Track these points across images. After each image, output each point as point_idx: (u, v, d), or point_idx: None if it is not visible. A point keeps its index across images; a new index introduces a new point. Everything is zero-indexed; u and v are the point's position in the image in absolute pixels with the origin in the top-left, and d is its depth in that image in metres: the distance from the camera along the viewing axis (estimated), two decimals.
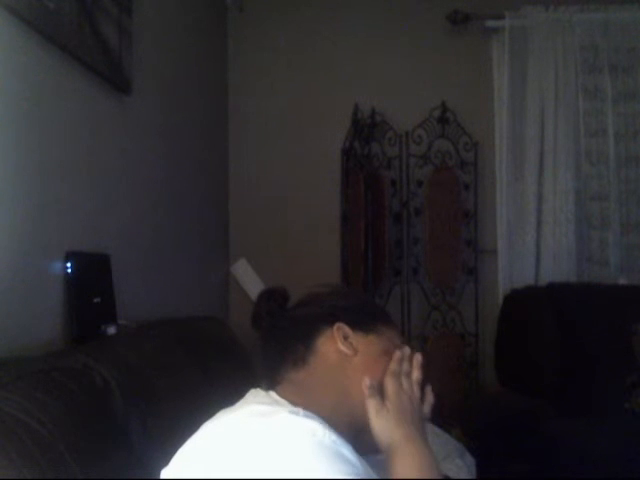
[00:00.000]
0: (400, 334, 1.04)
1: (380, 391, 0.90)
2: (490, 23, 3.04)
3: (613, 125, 2.97)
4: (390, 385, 0.90)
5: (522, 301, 2.71)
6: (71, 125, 1.54)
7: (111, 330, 1.55)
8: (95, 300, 1.56)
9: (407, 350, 0.95)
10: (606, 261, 2.97)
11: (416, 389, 0.92)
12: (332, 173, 3.00)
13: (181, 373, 1.42)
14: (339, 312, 0.98)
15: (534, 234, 2.96)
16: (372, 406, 0.88)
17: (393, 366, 0.92)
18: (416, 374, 0.93)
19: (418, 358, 0.95)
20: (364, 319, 0.99)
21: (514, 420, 2.25)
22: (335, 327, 0.95)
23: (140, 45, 1.91)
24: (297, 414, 0.77)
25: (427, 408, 0.93)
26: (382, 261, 2.91)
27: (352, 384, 0.91)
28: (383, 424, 0.87)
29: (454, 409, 2.67)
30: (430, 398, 0.94)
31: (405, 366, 0.93)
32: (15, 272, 1.28)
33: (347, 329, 0.96)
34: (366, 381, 0.89)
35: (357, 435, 0.87)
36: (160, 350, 1.43)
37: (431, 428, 1.90)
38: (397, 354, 0.94)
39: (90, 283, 1.56)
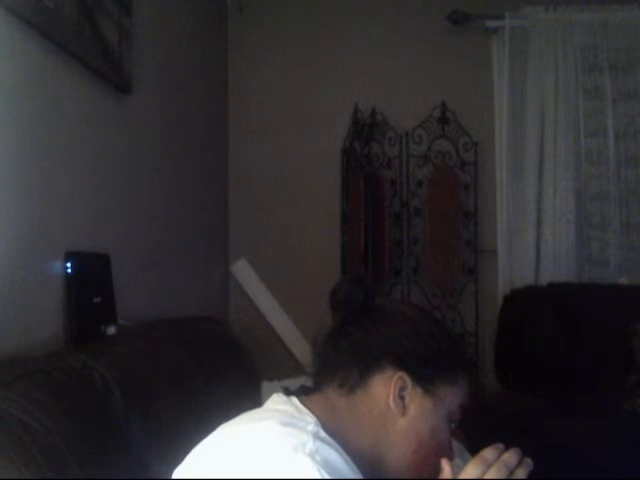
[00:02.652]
0: (468, 392, 0.92)
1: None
2: (490, 23, 3.03)
3: (613, 125, 2.96)
4: (472, 469, 0.77)
5: (522, 301, 2.71)
6: (71, 125, 1.54)
7: (111, 330, 1.55)
8: (95, 300, 1.56)
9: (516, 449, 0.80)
10: (606, 261, 2.97)
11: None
12: (332, 173, 2.99)
13: (181, 373, 1.42)
14: (410, 359, 0.85)
15: (534, 234, 2.96)
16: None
17: (488, 454, 0.77)
18: (521, 473, 0.77)
19: (529, 462, 0.79)
20: (432, 375, 0.86)
21: (514, 420, 2.25)
22: (396, 376, 0.84)
23: (140, 45, 1.91)
24: (293, 426, 0.75)
25: None
26: (382, 261, 2.91)
27: (388, 442, 0.83)
28: None
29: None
30: None
31: (507, 457, 0.78)
32: (15, 272, 1.28)
33: (408, 381, 0.84)
34: (443, 462, 0.81)
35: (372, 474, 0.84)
36: (160, 350, 1.43)
37: None
38: (497, 446, 0.79)
39: (90, 283, 1.56)
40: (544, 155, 2.97)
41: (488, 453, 0.77)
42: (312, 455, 0.69)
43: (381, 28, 3.14)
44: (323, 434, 0.75)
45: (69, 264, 1.45)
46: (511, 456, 0.77)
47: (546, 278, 2.87)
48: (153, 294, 2.06)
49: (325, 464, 0.70)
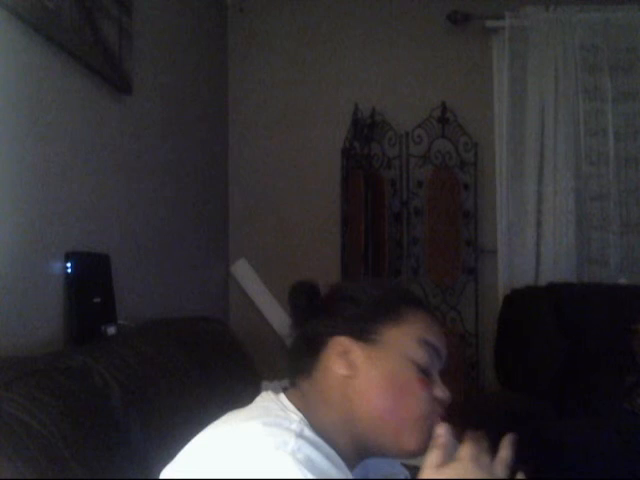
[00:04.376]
0: (436, 322, 0.90)
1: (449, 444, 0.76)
2: (490, 23, 3.04)
3: (613, 125, 2.97)
4: (465, 448, 0.75)
5: (522, 301, 2.71)
6: (71, 125, 1.54)
7: (111, 330, 1.55)
8: (95, 300, 1.56)
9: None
10: (606, 261, 2.97)
11: (500, 467, 0.76)
12: (332, 173, 3.00)
13: (181, 373, 1.42)
14: (346, 322, 0.86)
15: (534, 234, 2.96)
16: (430, 455, 0.75)
17: (470, 434, 0.77)
18: (505, 453, 0.78)
19: (511, 438, 0.80)
20: (371, 325, 0.85)
21: (514, 420, 2.25)
22: (333, 342, 0.85)
23: (140, 45, 1.91)
24: (276, 425, 0.74)
25: None
26: (382, 261, 2.91)
27: (354, 407, 0.82)
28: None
29: (454, 409, 2.67)
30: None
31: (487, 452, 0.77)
32: (15, 272, 1.28)
33: (347, 343, 0.84)
34: (439, 430, 0.77)
35: (361, 453, 0.84)
36: (160, 350, 1.43)
37: None
38: (474, 434, 0.78)
39: (90, 283, 1.56)
40: (544, 155, 2.97)
41: (477, 441, 0.77)
42: (293, 454, 0.69)
43: (381, 28, 3.14)
44: (307, 432, 0.75)
45: (69, 264, 1.46)
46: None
47: (546, 278, 2.87)
48: (153, 294, 2.06)
49: (307, 462, 0.70)
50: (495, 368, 2.75)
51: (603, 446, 2.04)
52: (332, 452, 0.77)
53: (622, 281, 2.83)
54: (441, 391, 0.84)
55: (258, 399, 0.86)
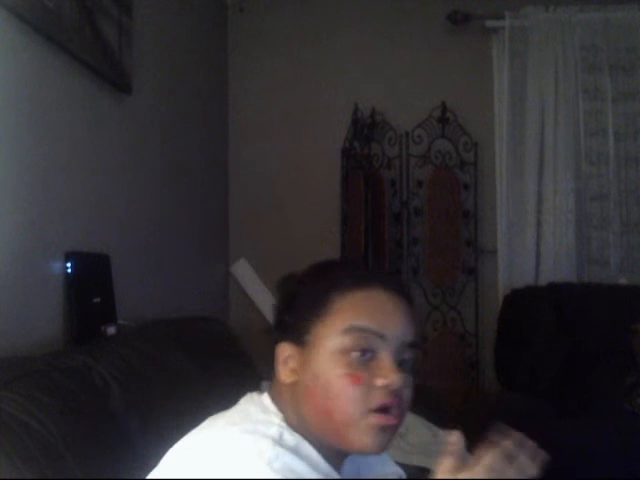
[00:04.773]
0: (373, 300, 0.80)
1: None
2: (490, 23, 3.04)
3: (613, 125, 2.97)
4: (492, 457, 0.70)
5: (522, 301, 2.71)
6: (71, 125, 1.54)
7: (111, 330, 1.55)
8: (95, 300, 1.56)
9: (531, 444, 0.76)
10: (606, 261, 2.97)
11: None
12: (332, 173, 2.99)
13: (181, 373, 1.42)
14: (283, 326, 0.83)
15: (534, 234, 2.96)
16: (442, 465, 0.70)
17: (509, 444, 0.72)
18: (532, 471, 0.73)
19: (543, 456, 0.75)
20: (301, 325, 0.80)
21: (514, 420, 2.25)
22: (278, 350, 0.82)
23: (140, 45, 1.91)
24: (253, 433, 0.73)
25: None
26: (382, 261, 2.91)
27: (303, 412, 0.78)
28: None
29: (454, 409, 2.67)
30: None
31: (522, 459, 0.73)
32: (15, 272, 1.28)
33: (288, 349, 0.81)
34: (452, 437, 0.72)
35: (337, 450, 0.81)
36: (160, 350, 1.43)
37: (431, 428, 1.90)
38: (518, 436, 0.74)
39: (90, 283, 1.56)
40: (544, 155, 2.97)
41: (507, 444, 0.72)
42: (270, 463, 0.69)
43: (381, 28, 3.14)
44: (287, 436, 0.75)
45: (69, 264, 1.46)
46: (525, 453, 0.73)
47: (546, 278, 2.87)
48: (153, 294, 2.06)
49: (285, 470, 0.69)
50: (495, 368, 2.75)
51: (603, 446, 2.04)
52: (314, 453, 0.75)
53: (622, 281, 2.83)
54: (383, 378, 0.75)
55: (242, 401, 0.85)
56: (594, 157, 2.99)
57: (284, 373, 0.80)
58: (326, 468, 0.76)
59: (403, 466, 0.98)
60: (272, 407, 0.80)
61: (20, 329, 1.29)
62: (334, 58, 3.14)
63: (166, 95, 2.26)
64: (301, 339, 0.80)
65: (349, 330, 0.77)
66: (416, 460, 1.57)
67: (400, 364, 0.78)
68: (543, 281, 2.87)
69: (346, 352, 0.76)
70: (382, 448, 0.77)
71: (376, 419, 0.75)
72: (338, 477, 0.78)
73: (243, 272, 3.09)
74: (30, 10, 1.29)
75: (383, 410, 0.75)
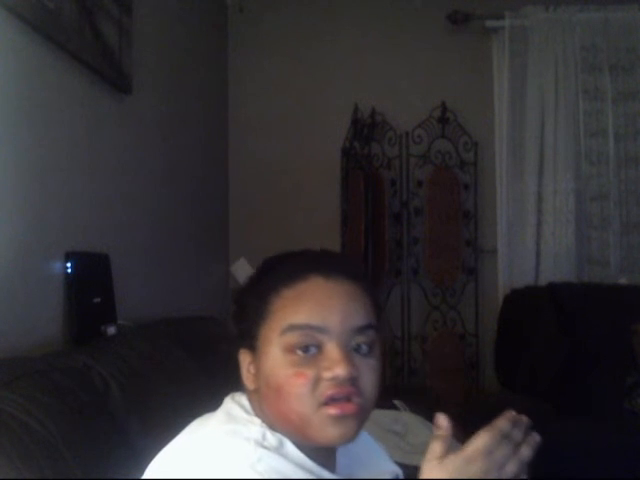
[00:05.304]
0: (308, 296, 0.78)
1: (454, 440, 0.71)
2: (490, 23, 3.04)
3: (613, 125, 2.97)
4: (477, 440, 0.69)
5: (522, 301, 2.71)
6: (71, 125, 1.54)
7: (111, 330, 1.55)
8: (95, 300, 1.56)
9: (524, 419, 0.72)
10: (606, 261, 2.97)
11: (514, 465, 0.69)
12: (332, 173, 2.99)
13: (181, 373, 1.42)
14: (239, 334, 0.82)
15: (534, 234, 2.96)
16: (431, 449, 0.70)
17: (500, 423, 0.70)
18: (526, 452, 0.70)
19: (536, 438, 0.72)
20: (251, 333, 0.79)
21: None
22: (240, 356, 0.82)
23: (140, 45, 1.91)
24: (235, 435, 0.73)
25: None
26: (382, 261, 2.91)
27: (268, 416, 0.77)
28: (427, 474, 0.69)
29: (454, 409, 2.67)
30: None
31: (516, 433, 0.70)
32: (15, 272, 1.28)
33: (246, 356, 0.81)
34: (439, 419, 0.71)
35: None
36: (160, 350, 1.44)
37: (431, 428, 1.90)
38: (510, 413, 0.71)
39: (90, 283, 1.56)
40: (544, 155, 2.97)
41: (503, 424, 0.70)
42: (254, 465, 0.69)
43: (381, 28, 3.14)
44: (269, 435, 0.75)
45: (69, 264, 1.46)
46: (519, 431, 0.71)
47: (546, 278, 2.87)
48: (153, 294, 2.06)
49: (269, 471, 0.69)
50: (495, 368, 2.75)
51: (603, 446, 2.04)
52: (296, 452, 0.75)
53: (622, 281, 2.83)
54: (328, 370, 0.74)
55: (227, 400, 0.84)
56: (594, 157, 2.99)
57: (247, 380, 0.80)
58: (311, 466, 0.75)
59: (403, 466, 0.98)
60: (250, 409, 0.80)
61: (20, 329, 1.29)
62: (334, 58, 3.14)
63: (166, 95, 2.26)
64: (253, 345, 0.79)
65: (289, 329, 0.75)
66: (416, 460, 1.56)
67: (356, 350, 0.77)
68: (543, 281, 2.87)
69: (290, 351, 0.75)
70: (347, 437, 0.75)
71: (328, 410, 0.73)
72: (326, 473, 0.77)
73: (243, 272, 3.08)
74: (30, 10, 1.29)
75: (336, 400, 0.74)
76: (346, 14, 3.15)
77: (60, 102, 1.48)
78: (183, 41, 2.48)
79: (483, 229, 3.05)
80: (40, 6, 1.32)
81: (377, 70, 3.12)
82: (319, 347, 0.75)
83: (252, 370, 0.79)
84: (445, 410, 0.78)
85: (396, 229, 2.96)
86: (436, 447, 0.70)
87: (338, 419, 0.73)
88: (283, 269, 0.82)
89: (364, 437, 0.91)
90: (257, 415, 0.79)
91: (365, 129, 2.94)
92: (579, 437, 2.12)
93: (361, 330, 0.77)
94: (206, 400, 0.87)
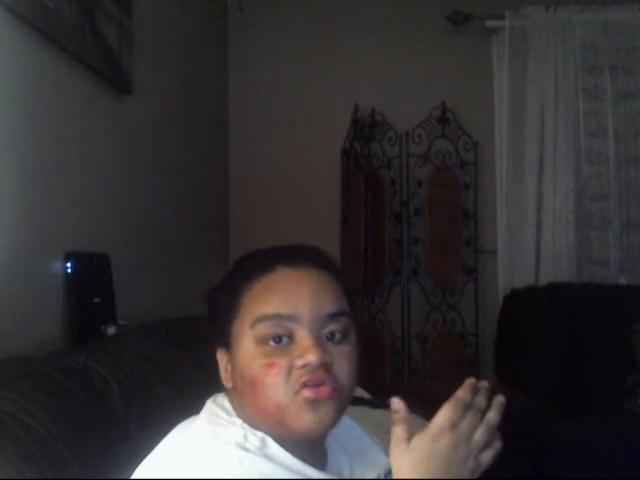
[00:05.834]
0: (272, 286, 0.78)
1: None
2: (490, 23, 3.04)
3: (613, 125, 2.97)
4: (439, 416, 0.70)
5: (522, 301, 2.71)
6: (71, 125, 1.54)
7: (111, 330, 1.55)
8: (95, 300, 1.56)
9: (484, 384, 0.74)
10: (606, 261, 2.97)
11: (482, 432, 0.70)
12: (332, 173, 2.99)
13: (181, 373, 1.42)
14: (213, 333, 0.82)
15: (534, 234, 2.96)
16: (393, 433, 0.71)
17: (460, 394, 0.71)
18: (492, 417, 0.71)
19: (501, 399, 0.73)
20: (224, 331, 0.79)
21: (514, 420, 2.25)
22: (217, 355, 0.81)
23: (140, 45, 1.91)
24: (216, 438, 0.74)
25: (487, 457, 0.71)
26: (382, 261, 2.91)
27: (250, 414, 0.76)
28: (396, 459, 0.70)
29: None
30: (498, 445, 0.72)
31: (479, 400, 0.71)
32: (15, 272, 1.28)
33: (222, 355, 0.80)
34: (394, 402, 0.72)
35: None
36: (160, 350, 1.43)
37: None
38: (471, 380, 0.73)
39: (90, 283, 1.56)
40: (544, 155, 2.97)
41: (464, 394, 0.71)
42: (235, 469, 0.69)
43: (381, 28, 3.14)
44: (250, 436, 0.74)
45: (69, 264, 1.46)
46: (482, 397, 0.72)
47: (546, 278, 2.87)
48: (153, 294, 2.06)
49: (251, 472, 0.69)
50: (495, 368, 2.75)
51: (603, 446, 2.04)
52: (280, 450, 0.74)
53: (622, 281, 2.83)
54: (300, 358, 0.73)
55: (208, 402, 0.84)
56: (594, 157, 2.99)
57: (225, 379, 0.80)
58: (296, 464, 0.75)
59: None
60: (233, 411, 0.80)
61: (20, 329, 1.29)
62: (334, 58, 3.14)
63: (166, 95, 2.26)
64: (227, 342, 0.79)
65: (259, 320, 0.75)
66: None
67: (329, 338, 0.76)
68: (543, 281, 2.87)
69: (262, 343, 0.75)
70: (325, 423, 0.75)
71: (302, 395, 0.73)
72: (312, 471, 0.76)
73: None
74: (30, 10, 1.29)
75: (309, 385, 0.73)
76: (346, 14, 3.15)
77: (60, 102, 1.48)
78: (183, 41, 2.48)
79: (483, 229, 3.06)
80: (40, 6, 1.32)
81: (377, 70, 3.12)
82: (290, 336, 0.75)
83: (229, 368, 0.79)
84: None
85: (396, 229, 2.96)
86: (399, 431, 0.70)
87: (314, 404, 0.73)
88: (252, 264, 0.82)
89: (357, 432, 0.91)
90: (238, 415, 0.78)
91: (365, 129, 2.95)
92: (579, 437, 2.12)
93: (332, 317, 0.77)
94: (206, 400, 0.87)
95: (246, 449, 0.72)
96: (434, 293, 2.96)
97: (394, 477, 0.70)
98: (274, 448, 0.74)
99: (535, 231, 2.97)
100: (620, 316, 2.46)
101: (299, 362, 0.73)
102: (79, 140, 1.58)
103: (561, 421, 2.23)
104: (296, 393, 0.73)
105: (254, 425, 0.76)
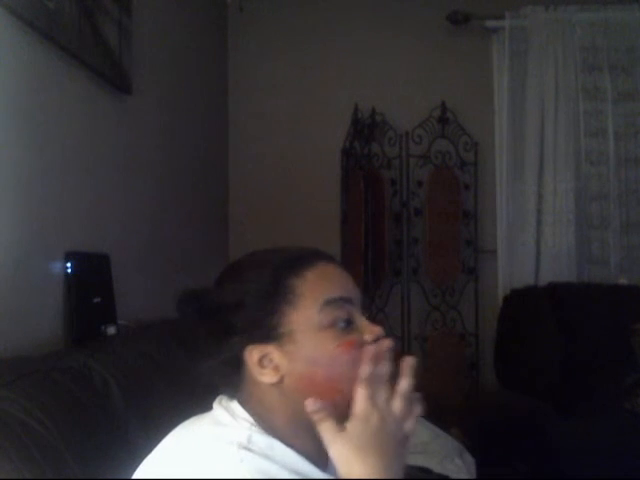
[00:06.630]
0: (329, 270, 0.81)
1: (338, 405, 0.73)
2: (490, 23, 3.04)
3: (613, 125, 2.97)
4: (358, 398, 0.72)
5: (522, 301, 2.71)
6: (71, 125, 1.54)
7: (111, 330, 1.55)
8: (95, 300, 1.56)
9: (385, 344, 0.75)
10: (606, 261, 2.97)
11: (398, 402, 0.72)
12: (332, 173, 2.99)
13: (180, 373, 1.42)
14: (241, 331, 0.78)
15: (534, 234, 2.96)
16: (325, 431, 0.72)
17: (364, 370, 0.72)
18: (403, 384, 0.74)
19: (409, 362, 0.75)
20: (268, 322, 0.77)
21: (514, 420, 2.25)
22: (246, 355, 0.78)
23: (140, 45, 1.91)
24: (218, 439, 0.74)
25: (410, 425, 0.73)
26: (382, 261, 2.91)
27: (296, 406, 0.76)
28: (340, 452, 0.71)
29: (454, 409, 2.67)
30: (417, 410, 0.74)
31: (380, 368, 0.73)
32: (15, 272, 1.28)
33: (261, 350, 0.77)
34: (309, 404, 0.72)
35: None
36: (160, 350, 1.43)
37: (431, 428, 1.90)
38: (370, 350, 0.74)
39: (90, 283, 1.56)
40: (544, 155, 2.97)
41: (365, 368, 0.72)
42: (236, 467, 0.70)
43: (381, 28, 3.14)
44: (256, 437, 0.74)
45: (69, 264, 1.46)
46: (384, 365, 0.74)
47: (546, 278, 2.87)
48: (153, 294, 2.06)
49: (252, 472, 0.70)
50: (495, 368, 2.75)
51: (603, 446, 2.04)
52: (288, 452, 0.75)
53: (622, 281, 2.83)
54: (369, 332, 0.77)
55: (215, 405, 0.83)
56: (594, 157, 2.99)
57: (266, 374, 0.77)
58: (305, 466, 0.75)
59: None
60: (242, 412, 0.79)
61: (20, 329, 1.29)
62: (334, 58, 3.14)
63: (166, 95, 2.26)
64: (271, 334, 0.77)
65: (326, 304, 0.77)
66: (413, 460, 1.57)
67: None
68: (543, 281, 2.87)
69: (329, 326, 0.76)
70: None
71: (380, 367, 0.76)
72: (318, 473, 0.77)
73: None
74: (30, 10, 1.29)
75: None
76: (346, 14, 3.15)
77: (60, 102, 1.48)
78: (183, 41, 2.48)
79: (483, 229, 3.06)
80: (40, 6, 1.32)
81: (377, 70, 3.12)
82: (350, 320, 0.78)
83: (271, 362, 0.77)
84: (445, 410, 0.79)
85: (396, 229, 2.96)
86: (329, 426, 0.71)
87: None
88: (286, 256, 0.83)
89: None
90: (256, 414, 0.78)
91: (365, 129, 2.95)
92: (579, 437, 2.12)
93: (363, 305, 0.82)
94: (206, 400, 0.87)
95: (249, 449, 0.72)
96: (434, 293, 2.96)
97: (342, 469, 0.71)
98: (282, 449, 0.75)
99: (535, 231, 2.97)
100: (620, 316, 2.46)
101: (370, 336, 0.77)
102: (79, 140, 1.58)
103: (561, 421, 2.23)
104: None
105: (272, 427, 0.76)
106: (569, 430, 2.16)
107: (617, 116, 2.97)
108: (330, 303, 0.77)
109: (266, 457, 0.73)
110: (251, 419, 0.78)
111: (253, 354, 0.77)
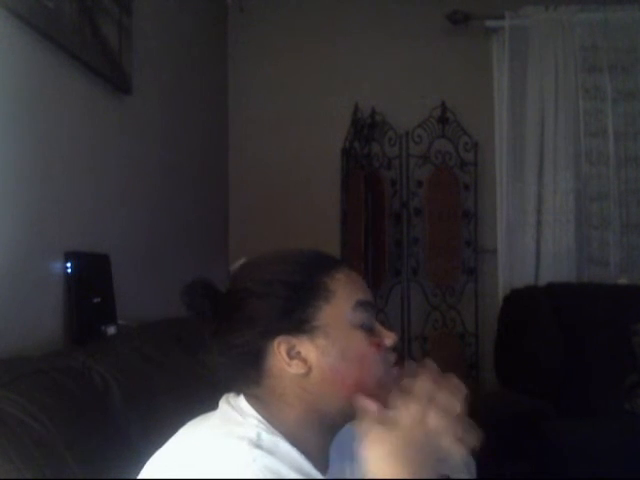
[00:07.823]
0: (354, 275, 0.85)
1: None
2: (490, 23, 3.04)
3: (613, 125, 2.97)
4: (408, 408, 0.71)
5: (522, 301, 2.71)
6: (71, 125, 1.54)
7: (111, 330, 1.55)
8: (95, 300, 1.56)
9: (456, 380, 0.77)
10: (606, 261, 2.97)
11: (440, 418, 0.72)
12: (332, 173, 2.99)
13: (181, 373, 1.42)
14: (273, 322, 0.79)
15: (534, 234, 2.96)
16: (366, 427, 0.72)
17: (421, 386, 0.73)
18: (452, 403, 0.74)
19: (463, 390, 0.76)
20: (301, 314, 0.79)
21: (514, 420, 2.25)
22: (275, 344, 0.79)
23: (140, 45, 1.91)
24: (230, 436, 0.74)
25: (446, 442, 0.72)
26: (382, 261, 2.91)
27: (319, 399, 0.79)
28: (375, 451, 0.70)
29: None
30: (471, 440, 0.74)
31: (442, 398, 0.73)
32: (15, 272, 1.28)
33: (290, 342, 0.79)
34: (359, 400, 0.74)
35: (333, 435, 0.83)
36: (160, 350, 1.43)
37: None
38: (430, 369, 0.75)
39: (90, 283, 1.56)
40: (544, 155, 2.97)
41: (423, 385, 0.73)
42: (248, 466, 0.70)
43: (381, 28, 3.14)
44: (264, 436, 0.75)
45: (69, 264, 1.46)
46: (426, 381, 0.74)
47: (546, 278, 2.87)
48: (153, 294, 2.06)
49: (264, 471, 0.70)
50: (495, 368, 2.75)
51: (603, 446, 2.04)
52: (293, 451, 0.76)
53: (622, 281, 2.83)
54: (389, 338, 0.82)
55: (221, 403, 0.84)
56: (594, 157, 2.99)
57: (294, 366, 0.79)
58: (307, 467, 0.76)
59: None
60: (250, 410, 0.80)
61: (20, 329, 1.29)
62: (334, 58, 3.14)
63: (166, 95, 2.26)
64: (307, 327, 0.79)
65: (357, 305, 0.82)
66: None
67: None
68: (543, 281, 2.87)
69: (360, 326, 0.81)
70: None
71: (395, 372, 0.81)
72: (319, 475, 0.78)
73: None
74: (30, 10, 1.29)
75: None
76: (346, 14, 3.15)
77: (60, 102, 1.48)
78: (183, 41, 2.48)
79: (483, 229, 3.06)
80: (40, 6, 1.32)
81: (377, 70, 3.12)
82: (373, 324, 0.83)
83: (299, 354, 0.79)
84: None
85: (396, 229, 2.96)
86: (370, 423, 0.71)
87: (398, 379, 0.78)
88: (316, 257, 0.87)
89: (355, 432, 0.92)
90: (265, 410, 0.79)
91: (365, 129, 2.94)
92: (579, 437, 2.12)
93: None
94: (206, 400, 0.87)
95: (259, 447, 0.73)
96: (434, 293, 2.96)
97: (371, 467, 0.70)
98: (287, 448, 0.76)
99: (535, 231, 2.97)
100: (620, 316, 2.46)
101: (390, 341, 0.83)
102: (79, 140, 1.58)
103: (561, 421, 2.23)
104: (390, 369, 0.82)
105: (281, 424, 0.78)
106: (569, 430, 2.16)
107: (617, 116, 2.97)
108: (361, 304, 0.82)
109: (275, 456, 0.73)
110: (258, 416, 0.78)
111: (281, 346, 0.79)
